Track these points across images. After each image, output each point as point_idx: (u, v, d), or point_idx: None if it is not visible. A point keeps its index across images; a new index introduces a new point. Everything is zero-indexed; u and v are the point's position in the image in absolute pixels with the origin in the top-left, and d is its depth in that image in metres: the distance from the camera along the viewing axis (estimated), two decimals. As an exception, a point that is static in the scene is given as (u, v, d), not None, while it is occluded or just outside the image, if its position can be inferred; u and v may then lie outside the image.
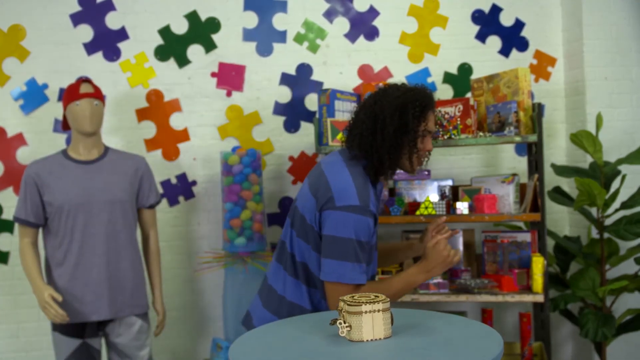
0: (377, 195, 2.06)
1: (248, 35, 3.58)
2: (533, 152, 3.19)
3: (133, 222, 2.78)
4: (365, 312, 1.38)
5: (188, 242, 3.56)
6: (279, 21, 3.59)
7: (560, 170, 3.33)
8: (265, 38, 3.58)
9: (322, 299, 2.01)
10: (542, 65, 3.67)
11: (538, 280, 2.94)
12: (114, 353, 2.76)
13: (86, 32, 3.48)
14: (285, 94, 3.60)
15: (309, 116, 3.59)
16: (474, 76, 3.61)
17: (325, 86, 3.59)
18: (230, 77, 3.57)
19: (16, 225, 3.29)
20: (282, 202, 3.61)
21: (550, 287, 3.31)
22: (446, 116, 3.18)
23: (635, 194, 3.19)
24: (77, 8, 3.48)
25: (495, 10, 3.67)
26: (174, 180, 3.54)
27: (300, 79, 3.60)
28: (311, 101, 3.60)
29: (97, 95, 2.70)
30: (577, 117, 3.55)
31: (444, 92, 3.64)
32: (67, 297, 2.62)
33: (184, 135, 3.54)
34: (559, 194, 3.40)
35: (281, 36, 3.59)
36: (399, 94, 1.98)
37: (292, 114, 3.60)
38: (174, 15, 3.54)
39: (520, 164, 3.63)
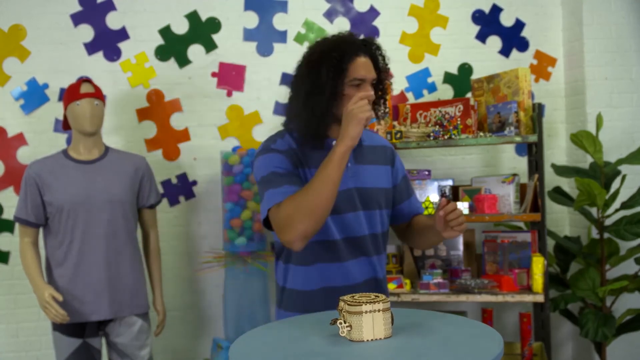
0: (318, 151, 1.90)
1: (248, 35, 3.58)
2: (533, 152, 3.19)
3: (133, 222, 2.78)
4: (366, 312, 1.38)
5: (188, 242, 3.56)
6: (279, 21, 3.59)
7: (561, 171, 3.33)
8: (265, 38, 3.59)
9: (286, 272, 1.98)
10: (542, 65, 3.67)
11: (538, 280, 2.94)
12: (114, 353, 2.77)
13: (86, 32, 3.48)
14: (285, 94, 3.58)
15: (309, 116, 3.58)
16: (474, 76, 3.61)
17: (325, 86, 3.58)
18: (230, 77, 3.57)
19: (16, 225, 3.29)
20: (283, 202, 3.61)
21: (551, 287, 3.31)
22: (446, 116, 3.19)
23: (636, 194, 3.20)
24: (77, 8, 3.48)
25: (496, 10, 3.67)
26: (174, 180, 3.54)
27: (300, 79, 3.59)
28: (311, 101, 3.59)
29: (98, 95, 2.70)
30: (577, 117, 3.55)
31: (444, 92, 3.64)
32: (67, 297, 2.62)
33: (184, 135, 3.55)
34: (559, 194, 3.40)
35: (281, 36, 3.59)
36: (316, 48, 1.91)
37: (293, 114, 3.59)
38: (174, 15, 3.54)
39: (521, 164, 3.63)
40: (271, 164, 1.86)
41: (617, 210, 3.21)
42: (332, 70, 1.83)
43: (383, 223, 2.01)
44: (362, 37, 1.94)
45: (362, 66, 1.86)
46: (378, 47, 1.93)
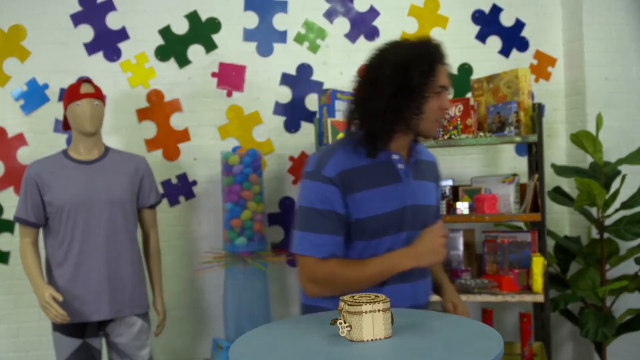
0: (376, 167, 1.81)
1: (248, 35, 3.58)
2: (533, 152, 3.19)
3: (133, 222, 2.78)
4: (366, 312, 1.38)
5: (188, 242, 3.56)
6: (279, 21, 3.59)
7: (561, 171, 3.33)
8: (265, 38, 3.59)
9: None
10: (542, 65, 3.67)
11: (538, 280, 2.94)
12: (114, 353, 2.77)
13: (87, 32, 3.49)
14: (285, 94, 3.60)
15: (309, 116, 3.59)
16: (474, 76, 3.62)
17: (325, 86, 3.59)
18: (230, 77, 3.57)
19: (17, 225, 3.29)
20: (283, 202, 3.61)
21: (551, 287, 3.31)
22: (446, 116, 3.19)
23: (636, 194, 3.20)
24: (77, 8, 3.48)
25: (496, 10, 3.67)
26: (174, 180, 3.54)
27: (300, 79, 3.60)
28: (311, 101, 3.60)
29: (98, 95, 2.70)
30: (577, 117, 3.55)
31: (444, 92, 3.64)
32: (67, 297, 2.62)
33: (184, 135, 3.55)
34: (559, 194, 3.40)
35: (281, 36, 3.59)
36: (401, 51, 1.79)
37: (293, 114, 3.60)
38: (174, 16, 3.54)
39: (521, 164, 3.63)
40: (315, 197, 1.77)
41: (617, 210, 3.21)
42: (424, 74, 1.76)
43: None
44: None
45: (445, 74, 1.83)
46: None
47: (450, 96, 3.61)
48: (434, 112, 1.78)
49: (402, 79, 1.74)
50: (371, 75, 1.80)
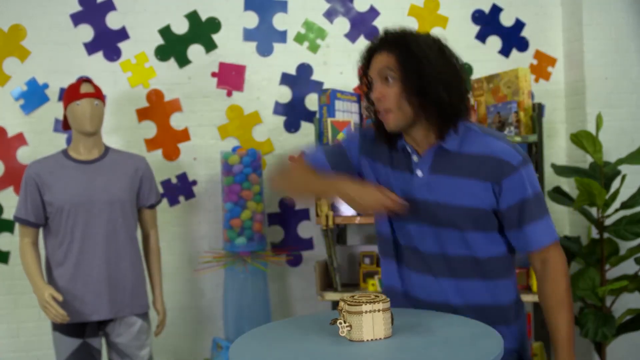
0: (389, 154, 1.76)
1: (248, 35, 3.58)
2: (533, 152, 3.19)
3: (133, 222, 2.78)
4: (366, 312, 1.38)
5: (188, 241, 3.56)
6: (279, 21, 3.59)
7: (560, 170, 3.33)
8: (265, 38, 3.59)
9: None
10: (542, 66, 3.67)
11: (538, 280, 2.94)
12: (114, 353, 2.77)
13: (86, 32, 3.49)
14: (285, 94, 3.60)
15: (309, 116, 3.59)
16: (474, 76, 3.61)
17: (325, 86, 3.59)
18: (230, 77, 3.57)
19: (16, 225, 3.29)
20: (282, 202, 3.61)
21: (550, 287, 3.30)
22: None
23: (636, 194, 3.20)
24: (77, 8, 3.48)
25: (495, 10, 3.67)
26: (174, 180, 3.54)
27: (300, 79, 3.60)
28: (311, 101, 3.60)
29: (98, 95, 2.70)
30: (577, 117, 3.55)
31: (444, 92, 3.63)
32: (67, 297, 2.62)
33: (184, 135, 3.55)
34: (559, 194, 3.40)
35: (281, 36, 3.59)
36: (438, 40, 1.70)
37: (293, 114, 3.60)
38: (174, 15, 3.54)
39: (521, 164, 3.62)
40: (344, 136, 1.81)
41: (617, 210, 3.21)
42: (459, 63, 1.71)
43: (467, 245, 1.69)
44: None
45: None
46: None
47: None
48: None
49: (453, 66, 1.69)
50: (425, 58, 1.65)
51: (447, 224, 1.68)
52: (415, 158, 1.71)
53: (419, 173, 1.70)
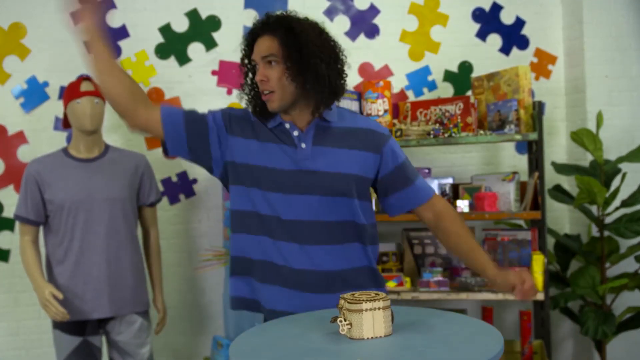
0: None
1: (248, 33, 3.58)
2: (533, 150, 3.19)
3: (133, 220, 2.78)
4: (366, 310, 1.38)
5: (189, 240, 3.56)
6: (279, 19, 3.59)
7: (561, 169, 3.33)
8: (265, 36, 3.58)
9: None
10: (543, 63, 3.67)
11: (538, 279, 2.94)
12: (114, 351, 2.77)
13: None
14: (285, 92, 3.59)
15: (310, 114, 3.58)
16: (474, 74, 3.61)
17: (325, 84, 3.58)
18: (230, 75, 3.57)
19: (17, 223, 3.29)
20: (283, 200, 3.61)
21: (551, 285, 3.31)
22: (447, 114, 3.19)
23: (636, 192, 3.20)
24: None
25: (496, 8, 3.67)
26: (174, 178, 3.55)
27: (300, 77, 3.59)
28: (311, 99, 3.59)
29: (98, 93, 2.70)
30: (578, 115, 3.55)
31: (444, 90, 3.64)
32: (67, 295, 2.62)
33: (184, 133, 3.54)
34: (559, 192, 3.40)
35: (281, 34, 3.59)
36: (316, 25, 1.99)
37: (293, 112, 3.59)
38: (174, 13, 3.54)
39: (521, 162, 3.63)
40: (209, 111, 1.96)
41: (617, 208, 3.21)
42: (337, 45, 1.90)
43: (352, 212, 1.83)
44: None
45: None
46: None
47: (451, 94, 3.61)
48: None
49: (332, 47, 1.88)
50: (308, 38, 1.89)
51: (330, 192, 1.80)
52: (296, 132, 1.84)
53: (303, 145, 1.83)
